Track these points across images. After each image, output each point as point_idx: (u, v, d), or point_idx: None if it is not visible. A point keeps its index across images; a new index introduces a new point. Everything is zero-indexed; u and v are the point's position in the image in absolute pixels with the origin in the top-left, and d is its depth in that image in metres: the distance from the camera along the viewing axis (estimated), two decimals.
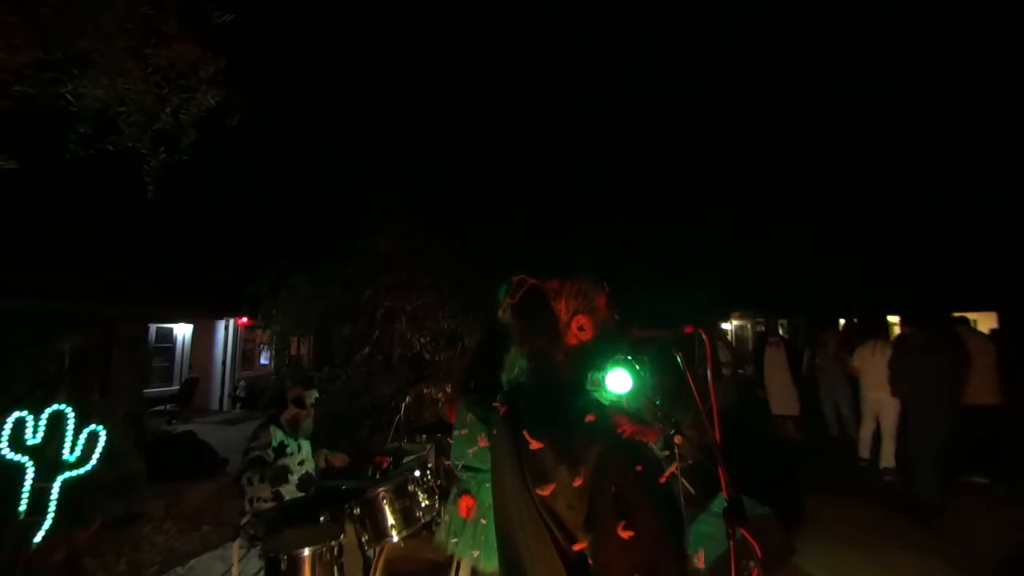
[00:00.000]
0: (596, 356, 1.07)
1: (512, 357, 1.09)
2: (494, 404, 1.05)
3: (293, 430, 3.18)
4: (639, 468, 0.80)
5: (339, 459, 3.47)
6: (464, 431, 2.22)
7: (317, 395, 3.31)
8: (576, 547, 0.81)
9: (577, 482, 0.80)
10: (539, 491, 0.84)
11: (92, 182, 6.49)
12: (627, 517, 0.76)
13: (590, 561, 0.80)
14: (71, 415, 3.44)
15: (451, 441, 2.44)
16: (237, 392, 11.86)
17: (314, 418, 3.30)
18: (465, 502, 2.16)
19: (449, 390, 6.16)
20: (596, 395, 1.01)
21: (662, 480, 0.83)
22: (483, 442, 2.08)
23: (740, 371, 13.49)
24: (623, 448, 0.82)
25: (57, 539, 3.44)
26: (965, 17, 12.73)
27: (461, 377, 2.52)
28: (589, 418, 0.85)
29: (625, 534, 0.75)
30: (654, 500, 0.79)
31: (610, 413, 0.88)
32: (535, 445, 0.86)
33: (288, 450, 3.07)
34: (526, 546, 0.88)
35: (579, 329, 1.03)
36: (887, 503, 4.44)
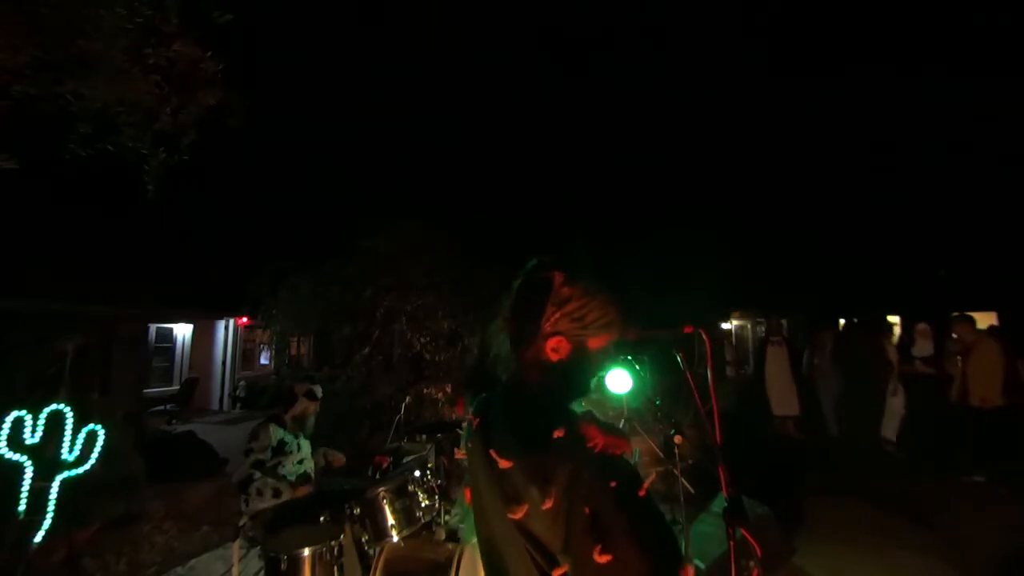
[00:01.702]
0: (575, 381, 0.95)
1: (492, 334, 1.02)
2: (470, 416, 0.99)
3: (299, 426, 3.19)
4: (614, 484, 0.74)
5: (338, 458, 3.48)
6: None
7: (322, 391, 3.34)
8: (556, 572, 0.76)
9: (547, 504, 0.74)
10: (511, 514, 0.79)
11: (92, 182, 6.49)
12: (603, 540, 0.70)
13: None
14: (70, 415, 3.44)
15: (461, 431, 2.51)
16: (237, 392, 11.87)
17: (316, 417, 3.32)
18: (469, 490, 2.21)
19: (449, 390, 6.17)
20: (569, 404, 0.92)
21: (641, 493, 0.76)
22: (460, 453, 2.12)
23: (740, 371, 13.48)
24: (595, 464, 0.76)
25: (57, 539, 3.44)
26: (967, 13, 12.73)
27: (463, 377, 2.58)
28: (557, 434, 0.79)
29: (602, 559, 0.70)
30: (633, 518, 0.73)
31: (579, 426, 0.81)
32: (503, 464, 0.81)
33: (287, 448, 3.07)
34: (508, 564, 0.84)
35: (552, 350, 0.92)
36: (887, 503, 4.43)
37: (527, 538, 0.79)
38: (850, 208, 14.71)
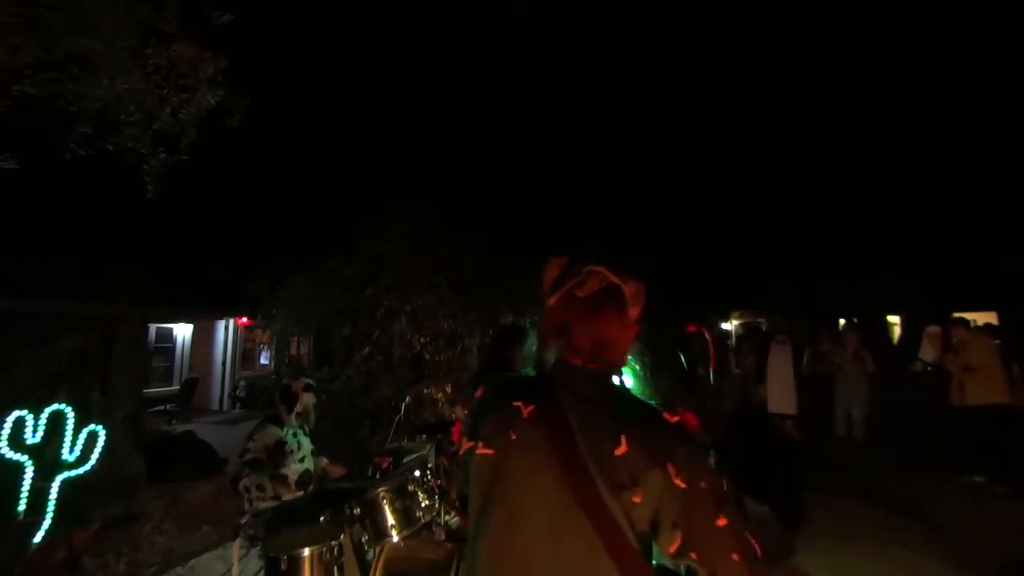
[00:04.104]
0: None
1: (534, 348, 1.04)
2: (514, 403, 0.94)
3: (304, 420, 3.20)
4: (712, 460, 0.88)
5: (337, 469, 3.47)
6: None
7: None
8: (675, 539, 0.82)
9: (677, 482, 0.82)
10: (634, 498, 0.82)
11: (92, 182, 6.48)
12: (722, 509, 0.81)
13: (691, 555, 0.82)
14: (71, 415, 3.44)
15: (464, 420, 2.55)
16: (237, 392, 11.86)
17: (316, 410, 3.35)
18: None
19: (449, 390, 6.17)
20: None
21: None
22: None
23: (739, 370, 13.44)
24: (699, 443, 0.88)
25: (57, 539, 3.44)
26: (970, 15, 12.73)
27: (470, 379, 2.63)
28: (673, 419, 0.89)
29: (721, 523, 0.80)
30: (731, 487, 0.85)
31: (678, 411, 0.93)
32: (621, 451, 0.83)
33: (287, 448, 3.07)
34: (569, 551, 0.84)
35: (634, 337, 1.04)
36: (887, 503, 4.44)
37: (627, 521, 0.82)
38: (850, 209, 14.71)
